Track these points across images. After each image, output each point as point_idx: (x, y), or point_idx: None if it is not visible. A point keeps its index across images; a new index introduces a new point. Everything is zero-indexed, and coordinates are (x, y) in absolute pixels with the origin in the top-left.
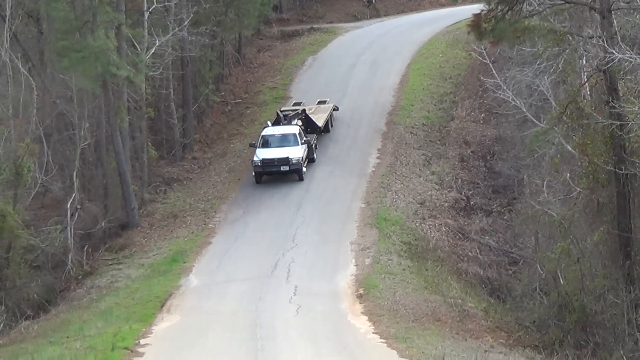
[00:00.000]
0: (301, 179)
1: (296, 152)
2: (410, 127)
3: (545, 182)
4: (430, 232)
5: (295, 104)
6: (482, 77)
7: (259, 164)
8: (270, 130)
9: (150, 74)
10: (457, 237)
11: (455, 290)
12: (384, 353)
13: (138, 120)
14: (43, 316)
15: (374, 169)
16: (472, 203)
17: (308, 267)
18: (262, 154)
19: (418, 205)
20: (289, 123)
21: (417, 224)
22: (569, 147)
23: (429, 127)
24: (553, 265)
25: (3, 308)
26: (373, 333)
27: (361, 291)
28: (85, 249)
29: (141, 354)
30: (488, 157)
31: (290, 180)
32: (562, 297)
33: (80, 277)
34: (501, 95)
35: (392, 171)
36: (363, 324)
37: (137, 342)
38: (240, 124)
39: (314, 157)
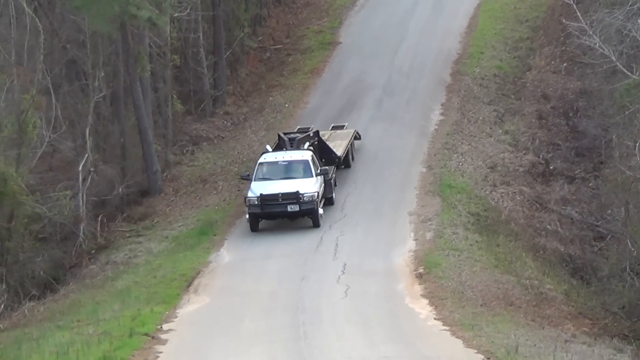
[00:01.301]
0: (317, 224)
1: (309, 186)
2: (479, 79)
3: (638, 144)
4: (503, 201)
5: (300, 130)
6: (564, 20)
7: (256, 202)
8: (272, 157)
9: (176, 15)
10: (534, 207)
11: (531, 269)
12: (447, 342)
13: (161, 69)
14: (50, 296)
15: (436, 127)
16: (551, 168)
17: (359, 241)
18: (260, 188)
19: (488, 170)
20: (297, 148)
21: (486, 192)
22: None
23: (501, 79)
24: None
25: (4, 287)
26: (435, 319)
27: (421, 270)
28: (99, 218)
29: (164, 341)
30: (571, 114)
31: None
32: None
33: (93, 251)
34: (587, 42)
35: (458, 130)
36: (423, 309)
37: (159, 327)
38: (281, 74)
39: (332, 197)
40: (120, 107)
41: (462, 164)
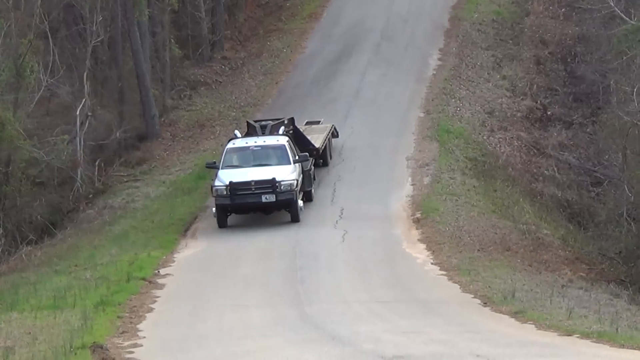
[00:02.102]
0: (295, 219)
1: (287, 174)
2: (477, 24)
3: (635, 89)
4: (500, 146)
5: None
6: None
7: (224, 192)
8: (242, 142)
9: None
10: (532, 152)
11: (529, 214)
12: (445, 287)
13: (159, 14)
14: (48, 241)
15: (434, 72)
16: (549, 113)
17: (357, 186)
18: (229, 176)
19: (486, 116)
20: (271, 135)
21: (484, 137)
22: None
23: (499, 24)
24: None
25: (2, 231)
26: (432, 264)
27: (418, 215)
28: (97, 163)
29: (161, 286)
30: (569, 60)
31: (336, 88)
32: None
33: (91, 195)
34: None
35: (456, 75)
36: (420, 253)
37: (156, 271)
38: (279, 19)
39: (310, 192)
40: (118, 51)
41: (459, 109)
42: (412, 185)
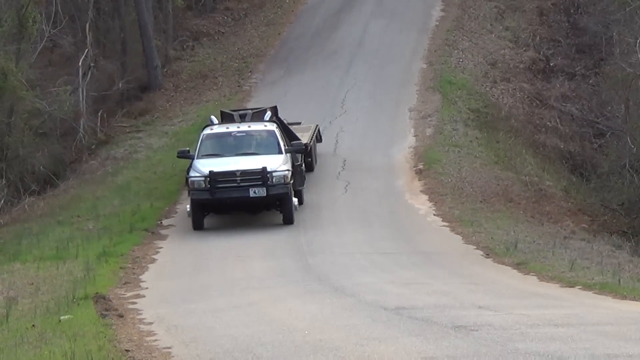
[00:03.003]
0: (289, 220)
1: (278, 164)
2: None
3: (638, 41)
4: (503, 97)
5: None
6: None
7: (203, 184)
8: (222, 127)
9: None
10: (534, 104)
11: (531, 166)
12: (447, 238)
13: None
14: (50, 192)
15: (437, 23)
16: (552, 64)
17: (359, 137)
18: (207, 165)
19: (489, 67)
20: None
21: (487, 89)
22: None
23: None
24: None
25: (4, 182)
26: (434, 215)
27: (421, 166)
28: (99, 114)
29: (164, 237)
30: (572, 11)
31: (338, 39)
32: None
33: (93, 146)
34: None
35: (458, 26)
36: (422, 205)
37: (159, 222)
38: None
39: (301, 192)
40: (121, 2)
41: (462, 61)
42: (414, 136)
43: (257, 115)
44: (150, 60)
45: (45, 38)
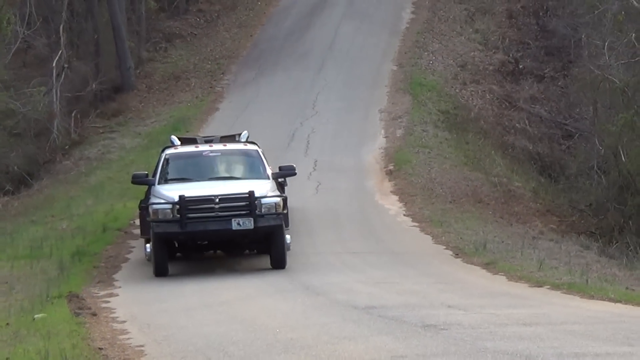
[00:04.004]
0: (280, 263)
1: (266, 189)
2: None
3: (606, 44)
4: (472, 99)
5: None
6: None
7: (169, 214)
8: (189, 147)
9: None
10: (503, 105)
11: (500, 167)
12: (417, 238)
13: None
14: (24, 191)
15: (408, 25)
16: (521, 66)
17: (330, 138)
18: (175, 190)
19: (458, 69)
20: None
21: (456, 90)
22: (635, 3)
23: None
24: (614, 139)
25: None
26: (404, 215)
27: (391, 167)
28: (73, 114)
29: (136, 236)
30: (540, 14)
31: (310, 41)
32: (623, 176)
33: (67, 147)
34: None
35: (428, 28)
36: (392, 205)
37: (131, 222)
38: None
39: (287, 223)
40: (94, 3)
41: (432, 62)
42: (385, 137)
43: (227, 139)
44: (123, 61)
45: (20, 39)
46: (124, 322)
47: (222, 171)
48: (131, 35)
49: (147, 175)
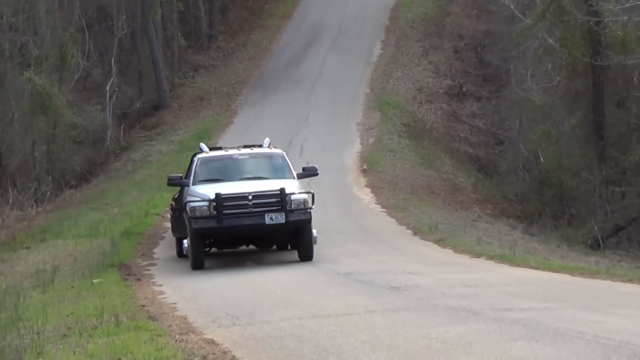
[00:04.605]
0: (308, 255)
1: (294, 187)
2: (410, 22)
3: (529, 72)
4: (427, 115)
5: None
6: None
7: (206, 210)
8: (219, 152)
9: None
10: (450, 119)
11: (448, 166)
12: (385, 221)
13: (169, 13)
14: (85, 186)
15: (378, 58)
16: (464, 90)
17: (319, 144)
18: (210, 189)
19: (416, 91)
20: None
21: (415, 108)
22: (551, 41)
23: (427, 22)
24: (534, 145)
25: (50, 178)
26: (375, 203)
27: (365, 166)
28: (122, 127)
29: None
30: (479, 49)
31: (303, 70)
32: (542, 173)
33: (117, 151)
34: None
35: (393, 60)
36: (366, 195)
37: (167, 209)
38: (260, 18)
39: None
40: (138, 42)
41: (396, 87)
42: (360, 144)
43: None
44: (160, 86)
45: (81, 69)
46: (161, 285)
47: (251, 172)
48: (166, 66)
49: (181, 177)
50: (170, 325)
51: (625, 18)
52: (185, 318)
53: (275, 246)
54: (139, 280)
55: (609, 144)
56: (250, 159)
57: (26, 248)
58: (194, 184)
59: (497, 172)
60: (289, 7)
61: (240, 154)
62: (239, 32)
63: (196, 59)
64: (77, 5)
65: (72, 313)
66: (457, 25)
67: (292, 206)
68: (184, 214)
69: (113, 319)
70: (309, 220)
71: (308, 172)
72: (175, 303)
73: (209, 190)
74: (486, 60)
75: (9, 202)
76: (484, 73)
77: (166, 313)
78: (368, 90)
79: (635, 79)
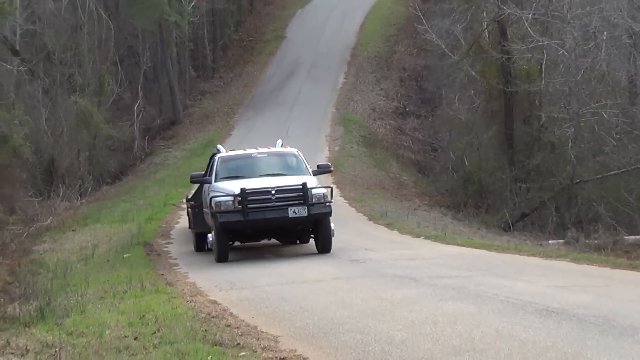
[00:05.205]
0: (327, 247)
1: (313, 182)
2: (366, 58)
3: (456, 96)
4: (379, 129)
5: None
6: (415, 24)
7: (231, 205)
8: (239, 152)
9: (191, 19)
10: (397, 132)
11: (395, 168)
12: (347, 209)
13: (182, 51)
14: (117, 183)
15: (342, 85)
16: (407, 110)
17: None
18: (233, 185)
19: (371, 111)
20: None
21: (370, 123)
22: (473, 73)
23: (379, 58)
24: (461, 152)
25: (91, 177)
26: (339, 196)
27: (332, 168)
28: (146, 138)
29: (184, 209)
30: (419, 79)
31: (285, 94)
32: (466, 173)
33: (143, 157)
34: (428, 37)
35: (354, 88)
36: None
37: (181, 200)
38: (252, 54)
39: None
40: (159, 73)
41: (356, 107)
42: (328, 151)
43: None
44: (175, 106)
45: (115, 94)
46: (176, 259)
47: (270, 169)
48: (180, 91)
49: (203, 174)
50: (183, 290)
51: (530, 55)
52: (194, 284)
53: (297, 240)
54: (159, 255)
55: (517, 151)
56: (268, 157)
57: (72, 231)
58: (216, 181)
59: (432, 173)
60: (273, 46)
61: (259, 153)
62: (236, 66)
63: (203, 86)
64: (111, 44)
65: (107, 280)
66: (402, 61)
67: (313, 200)
68: (206, 210)
69: (139, 285)
70: (329, 214)
71: (322, 169)
72: (187, 272)
73: (233, 186)
74: (424, 87)
75: (59, 196)
76: (422, 97)
77: (180, 280)
78: (334, 110)
79: (537, 101)
